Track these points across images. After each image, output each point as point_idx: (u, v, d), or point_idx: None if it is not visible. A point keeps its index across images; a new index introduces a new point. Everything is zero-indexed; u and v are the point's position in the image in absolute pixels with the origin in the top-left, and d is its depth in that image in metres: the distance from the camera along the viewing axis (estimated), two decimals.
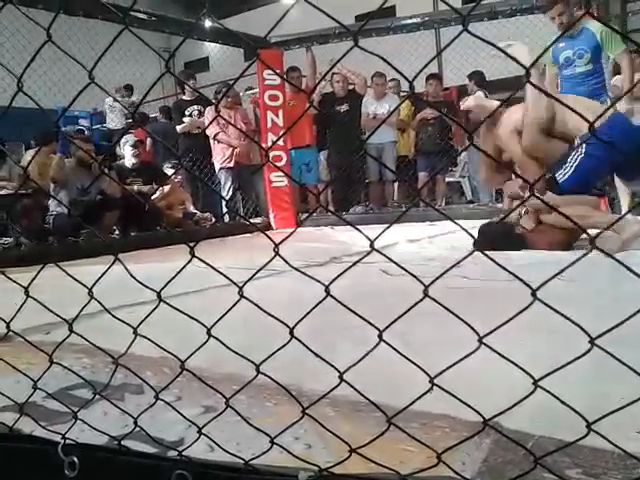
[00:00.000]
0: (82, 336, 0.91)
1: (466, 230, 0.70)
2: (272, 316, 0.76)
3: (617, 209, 4.62)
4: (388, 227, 0.70)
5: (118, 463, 0.85)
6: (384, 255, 0.68)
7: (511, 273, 0.62)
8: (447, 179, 7.21)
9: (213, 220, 6.17)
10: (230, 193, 6.14)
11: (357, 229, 0.73)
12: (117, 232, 5.41)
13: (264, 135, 6.02)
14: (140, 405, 1.11)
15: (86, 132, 10.03)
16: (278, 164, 5.78)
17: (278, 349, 0.76)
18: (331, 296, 0.69)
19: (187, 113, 6.44)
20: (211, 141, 6.19)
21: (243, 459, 0.78)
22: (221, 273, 0.80)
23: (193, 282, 2.20)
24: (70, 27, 5.83)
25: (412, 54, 6.40)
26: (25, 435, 0.98)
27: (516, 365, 0.63)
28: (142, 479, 0.83)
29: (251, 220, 6.07)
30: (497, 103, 3.84)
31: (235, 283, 0.76)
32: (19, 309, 0.97)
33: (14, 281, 0.98)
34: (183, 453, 0.83)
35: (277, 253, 0.72)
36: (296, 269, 0.77)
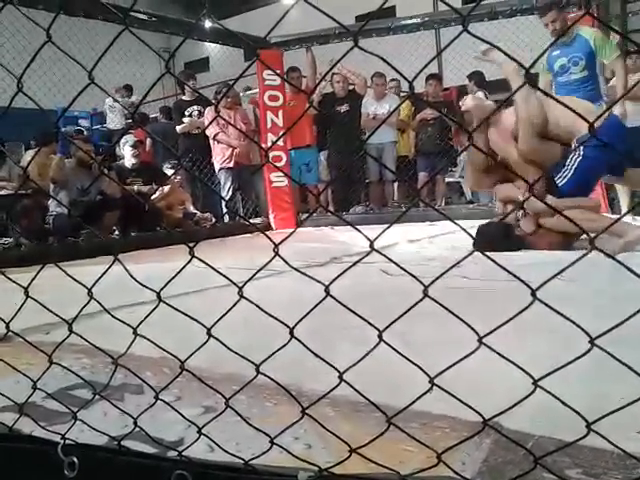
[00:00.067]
0: (82, 336, 0.91)
1: (466, 230, 0.70)
2: (272, 316, 0.76)
3: (617, 209, 4.63)
4: (388, 227, 0.70)
5: (118, 463, 0.85)
6: (384, 255, 0.68)
7: (511, 273, 0.62)
8: (447, 179, 7.21)
9: (213, 220, 6.17)
10: (230, 193, 6.14)
11: (357, 229, 0.73)
12: (117, 232, 5.41)
13: (264, 135, 6.02)
14: (140, 405, 1.10)
15: (85, 132, 10.03)
16: (278, 164, 5.78)
17: (278, 349, 0.76)
18: (331, 296, 0.69)
19: (187, 113, 6.43)
20: (211, 141, 6.19)
21: (243, 459, 0.78)
22: (221, 273, 0.80)
23: (193, 282, 2.20)
24: (70, 27, 5.82)
25: (412, 54, 6.39)
26: (25, 435, 0.98)
27: (516, 365, 0.63)
28: (142, 479, 0.83)
29: (251, 220, 6.07)
30: (493, 104, 3.84)
31: (235, 283, 0.76)
32: (19, 309, 0.97)
33: (14, 281, 0.98)
34: (183, 453, 0.83)
35: (277, 253, 0.72)
36: (296, 269, 0.77)
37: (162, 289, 0.79)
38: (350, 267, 0.71)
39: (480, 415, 0.66)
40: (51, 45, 0.83)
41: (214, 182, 6.20)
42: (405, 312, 0.67)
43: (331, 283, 0.70)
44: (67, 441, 0.86)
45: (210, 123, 6.16)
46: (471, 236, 0.76)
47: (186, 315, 0.83)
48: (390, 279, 2.54)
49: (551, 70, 4.53)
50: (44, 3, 4.27)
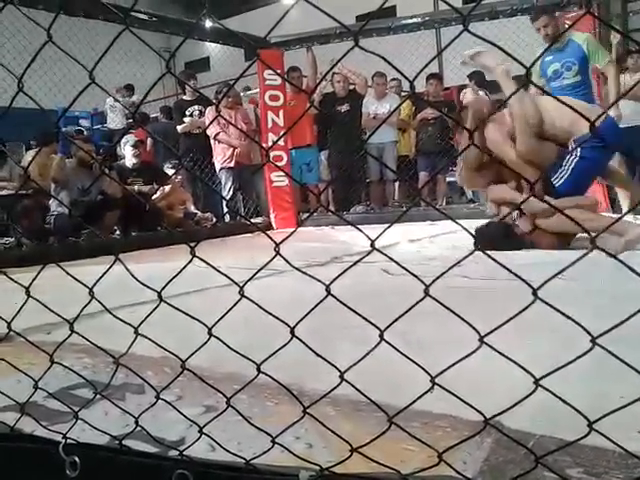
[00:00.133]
0: (83, 336, 0.91)
1: (467, 230, 0.70)
2: (273, 315, 0.76)
3: (617, 209, 4.63)
4: (389, 227, 0.70)
5: (119, 463, 0.85)
6: (385, 255, 0.68)
7: (512, 272, 0.62)
8: (448, 179, 7.20)
9: (214, 220, 6.17)
10: (231, 193, 6.14)
11: (358, 229, 0.73)
12: (118, 232, 5.42)
13: (265, 135, 6.02)
14: (141, 405, 1.11)
15: (85, 132, 10.04)
16: (279, 164, 5.79)
17: (279, 348, 0.76)
18: (332, 295, 0.69)
19: (188, 113, 6.44)
20: (212, 141, 6.19)
21: (244, 459, 0.78)
22: (222, 273, 0.80)
23: (194, 282, 2.20)
24: (70, 27, 5.82)
25: (413, 54, 6.39)
26: (26, 435, 0.98)
27: (517, 364, 0.63)
28: (143, 479, 0.83)
29: (252, 220, 6.07)
30: (489, 100, 3.87)
31: (236, 283, 0.76)
32: (20, 309, 0.97)
33: (15, 281, 0.98)
34: (184, 453, 0.83)
35: (278, 253, 0.72)
36: (297, 269, 0.77)
37: (163, 289, 0.79)
38: (351, 266, 0.71)
39: (481, 414, 0.66)
40: (52, 45, 0.83)
41: (215, 182, 6.21)
42: (406, 311, 0.67)
43: (332, 282, 0.71)
44: (68, 440, 0.86)
45: (211, 123, 6.15)
46: (472, 235, 0.76)
47: (187, 315, 0.83)
48: (391, 278, 2.54)
49: (544, 75, 4.55)
50: (44, 3, 4.27)
